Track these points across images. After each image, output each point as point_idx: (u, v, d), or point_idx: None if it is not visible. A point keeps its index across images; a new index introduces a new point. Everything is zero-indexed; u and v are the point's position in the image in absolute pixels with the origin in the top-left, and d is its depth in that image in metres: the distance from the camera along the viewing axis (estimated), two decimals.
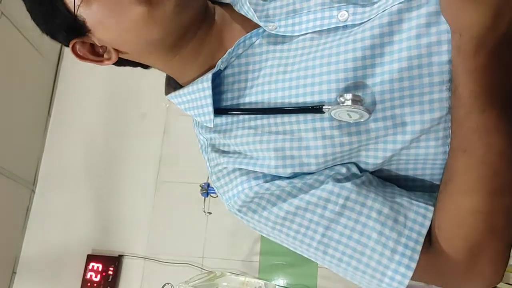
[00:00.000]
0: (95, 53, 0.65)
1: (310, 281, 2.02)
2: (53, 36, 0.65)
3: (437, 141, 0.57)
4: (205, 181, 1.90)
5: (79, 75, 2.42)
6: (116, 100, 2.39)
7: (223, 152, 0.65)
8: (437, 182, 0.62)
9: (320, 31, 0.60)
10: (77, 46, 0.65)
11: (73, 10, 0.59)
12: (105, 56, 0.65)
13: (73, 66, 2.46)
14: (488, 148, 0.51)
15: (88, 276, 2.11)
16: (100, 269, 2.11)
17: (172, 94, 0.68)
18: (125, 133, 2.36)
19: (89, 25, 0.60)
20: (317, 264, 2.05)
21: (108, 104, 2.40)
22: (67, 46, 0.65)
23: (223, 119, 0.65)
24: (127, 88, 2.35)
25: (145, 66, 0.70)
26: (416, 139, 0.57)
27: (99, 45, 0.64)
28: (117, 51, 0.64)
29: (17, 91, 2.18)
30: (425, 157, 0.59)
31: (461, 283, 0.57)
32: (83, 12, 0.59)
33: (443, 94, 0.54)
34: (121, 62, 0.67)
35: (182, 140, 2.22)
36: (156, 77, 0.75)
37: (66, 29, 0.62)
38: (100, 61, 0.66)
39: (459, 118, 0.52)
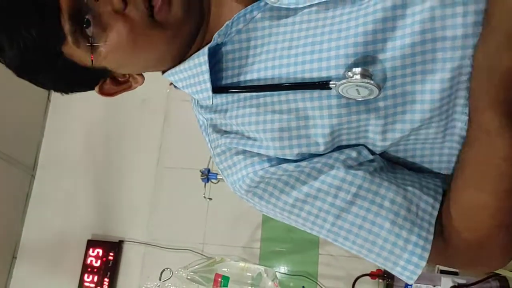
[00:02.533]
0: (119, 82, 0.66)
1: (311, 268, 2.02)
2: (77, 90, 0.66)
3: (447, 120, 0.55)
4: (206, 167, 1.89)
5: None
6: None
7: (225, 132, 0.62)
8: (444, 171, 0.61)
9: (326, 3, 0.56)
10: (103, 87, 0.65)
11: (88, 64, 0.59)
12: (132, 80, 0.66)
13: None
14: (492, 150, 0.50)
15: (89, 261, 2.11)
16: (100, 254, 2.11)
17: (169, 71, 0.65)
18: (125, 118, 2.34)
19: (111, 68, 0.61)
20: (318, 251, 2.05)
21: None
22: (91, 90, 0.66)
23: (223, 98, 0.62)
24: None
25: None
26: (426, 119, 0.54)
27: (122, 77, 0.65)
28: (141, 74, 0.65)
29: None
30: (433, 140, 0.57)
31: (468, 267, 0.59)
32: (101, 63, 0.59)
33: (454, 72, 0.51)
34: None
35: (182, 126, 2.20)
36: None
37: (88, 82, 0.64)
38: (128, 87, 0.67)
39: (470, 110, 0.51)
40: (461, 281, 1.41)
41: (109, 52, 0.57)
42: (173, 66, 0.65)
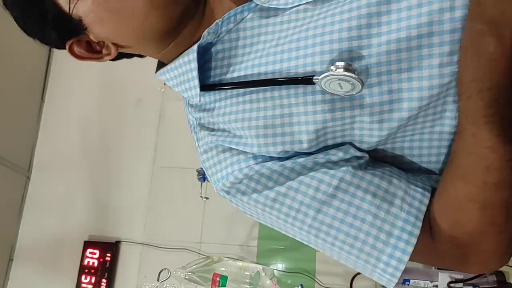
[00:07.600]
0: (93, 50, 0.64)
1: (308, 265, 2.02)
2: (46, 39, 0.63)
3: (435, 116, 0.55)
4: (202, 167, 1.88)
5: (73, 60, 2.38)
6: (111, 85, 2.36)
7: (212, 130, 0.63)
8: (433, 165, 0.60)
9: (314, 1, 0.57)
10: (74, 46, 0.63)
11: (66, 9, 0.57)
12: (104, 51, 0.64)
13: (66, 51, 2.42)
14: (479, 140, 0.49)
15: (86, 263, 2.10)
16: (97, 255, 2.10)
17: (160, 70, 0.66)
18: (120, 118, 2.33)
19: (86, 23, 0.59)
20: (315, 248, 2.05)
21: (102, 89, 2.37)
22: (61, 48, 0.63)
23: (211, 96, 0.62)
24: (122, 73, 2.32)
25: (141, 55, 0.69)
26: (413, 116, 0.54)
27: (96, 41, 0.62)
28: (116, 45, 0.62)
29: (9, 76, 2.15)
30: (420, 136, 0.57)
31: (461, 267, 0.55)
32: (79, 10, 0.57)
33: (444, 70, 0.51)
34: (118, 56, 0.65)
35: (178, 125, 2.20)
36: (151, 62, 0.73)
37: (60, 30, 0.60)
38: (99, 58, 0.65)
39: (458, 98, 0.51)
40: (459, 276, 1.41)
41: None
42: (164, 65, 0.65)
